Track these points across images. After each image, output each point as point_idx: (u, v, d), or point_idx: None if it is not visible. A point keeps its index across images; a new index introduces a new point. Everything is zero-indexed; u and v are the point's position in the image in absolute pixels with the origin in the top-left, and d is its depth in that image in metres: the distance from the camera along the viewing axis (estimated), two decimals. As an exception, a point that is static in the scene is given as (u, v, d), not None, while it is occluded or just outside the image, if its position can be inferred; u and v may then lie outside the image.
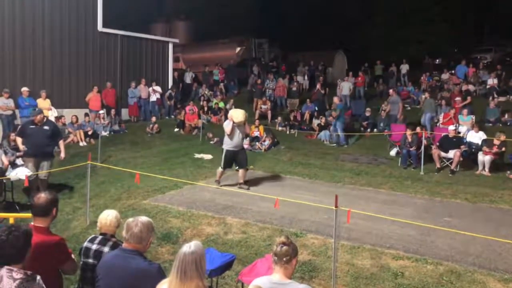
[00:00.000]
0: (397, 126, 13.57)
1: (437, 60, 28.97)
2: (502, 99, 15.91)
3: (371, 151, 12.81)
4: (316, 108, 16.71)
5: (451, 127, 11.50)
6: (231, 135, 8.69)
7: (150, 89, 16.89)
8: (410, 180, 9.92)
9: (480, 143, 11.02)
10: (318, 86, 18.45)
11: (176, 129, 15.65)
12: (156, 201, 7.97)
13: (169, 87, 18.31)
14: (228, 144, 8.80)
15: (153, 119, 15.46)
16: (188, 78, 20.90)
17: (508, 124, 13.64)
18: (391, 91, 15.96)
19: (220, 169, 8.90)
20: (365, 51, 29.84)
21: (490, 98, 15.47)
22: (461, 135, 12.01)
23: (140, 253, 3.00)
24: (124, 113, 16.70)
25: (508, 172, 10.15)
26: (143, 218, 3.05)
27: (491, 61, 25.58)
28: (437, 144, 11.16)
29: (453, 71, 20.45)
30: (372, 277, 5.25)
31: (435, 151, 10.80)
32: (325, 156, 12.41)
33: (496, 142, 10.52)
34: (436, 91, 17.89)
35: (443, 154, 10.83)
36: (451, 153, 10.67)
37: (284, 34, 32.87)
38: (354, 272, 5.36)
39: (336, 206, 4.80)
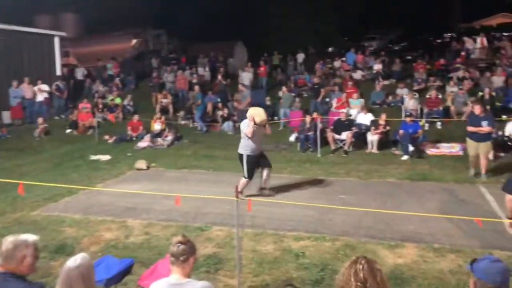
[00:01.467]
0: (295, 113, 14.12)
1: (330, 49, 30.75)
2: (386, 82, 17.35)
3: (273, 139, 13.14)
4: (219, 100, 16.72)
5: (343, 111, 12.27)
6: (253, 138, 7.49)
7: (36, 88, 15.53)
8: (309, 163, 10.42)
9: (368, 124, 11.93)
10: (219, 77, 18.47)
11: (68, 130, 14.65)
12: (48, 210, 7.36)
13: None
14: (250, 149, 7.58)
15: (40, 120, 14.23)
16: (80, 74, 19.63)
17: (392, 105, 14.92)
18: (283, 89, 16.13)
19: (244, 180, 7.68)
20: (263, 41, 30.54)
21: (376, 82, 16.78)
22: (352, 117, 12.87)
23: (16, 274, 2.64)
24: (6, 116, 15.16)
25: (393, 148, 11.13)
26: (15, 235, 2.73)
27: (376, 48, 27.79)
28: (331, 127, 11.85)
29: (344, 59, 21.80)
30: (275, 261, 5.40)
31: (329, 134, 11.46)
32: (229, 147, 12.44)
33: (381, 122, 11.45)
34: (329, 78, 18.94)
35: (337, 136, 11.54)
36: (344, 135, 11.41)
37: (183, 25, 32.23)
38: (258, 258, 5.47)
39: (236, 197, 4.84)
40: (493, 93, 13.63)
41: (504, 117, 11.65)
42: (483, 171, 8.56)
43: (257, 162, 7.76)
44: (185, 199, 5.66)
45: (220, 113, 15.34)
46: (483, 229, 5.78)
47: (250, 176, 7.71)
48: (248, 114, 7.69)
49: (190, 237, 3.23)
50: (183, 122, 15.60)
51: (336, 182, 8.82)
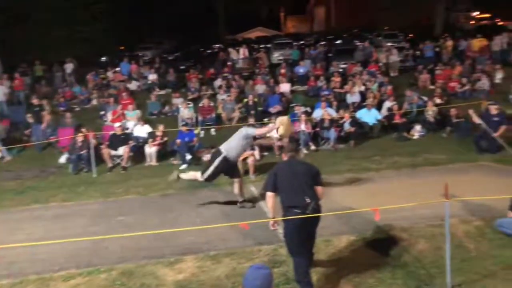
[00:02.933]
0: (64, 130, 12.80)
1: (103, 58, 29.35)
2: (162, 92, 17.52)
3: (38, 162, 11.63)
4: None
5: (117, 124, 11.73)
6: (242, 145, 7.48)
7: None
8: (83, 185, 9.53)
9: (146, 136, 11.72)
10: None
11: None
12: None
13: None
14: (232, 154, 7.31)
15: None
16: None
17: (169, 115, 15.12)
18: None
19: (198, 175, 7.64)
20: (23, 49, 26.87)
21: (152, 92, 16.74)
22: (129, 130, 12.44)
23: None
24: None
25: (172, 158, 11.21)
26: None
27: (151, 58, 27.89)
28: (107, 143, 11.17)
29: (117, 69, 21.09)
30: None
31: (105, 151, 10.76)
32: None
33: (158, 133, 11.40)
34: (102, 89, 18.00)
35: (113, 152, 10.93)
36: (121, 150, 10.90)
37: None
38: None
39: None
40: (256, 99, 15.25)
41: (265, 120, 13.09)
42: (251, 171, 9.36)
43: (227, 170, 7.43)
44: None
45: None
46: (254, 227, 6.27)
47: (208, 178, 7.45)
48: (277, 120, 7.79)
49: None
50: None
51: (115, 203, 8.29)
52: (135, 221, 7.18)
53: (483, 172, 8.74)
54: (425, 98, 13.98)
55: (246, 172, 9.32)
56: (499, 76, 16.17)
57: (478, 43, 19.39)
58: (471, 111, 11.08)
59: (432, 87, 15.94)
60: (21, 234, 6.79)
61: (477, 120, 10.54)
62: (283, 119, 7.90)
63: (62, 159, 11.45)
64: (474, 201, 6.71)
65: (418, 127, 12.28)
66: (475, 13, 45.68)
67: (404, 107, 13.65)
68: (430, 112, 12.72)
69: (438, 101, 13.65)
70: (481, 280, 4.73)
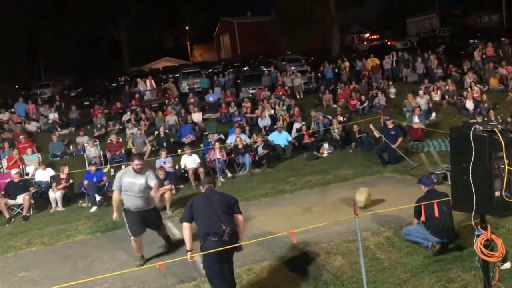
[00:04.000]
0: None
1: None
2: (65, 131, 16.48)
3: None
4: None
5: (14, 171, 10.74)
6: None
7: None
8: (-23, 242, 8.49)
9: (49, 180, 10.86)
10: None
11: None
12: None
13: None
14: None
15: None
16: None
17: (74, 155, 14.21)
18: None
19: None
20: None
21: (54, 132, 15.66)
22: (29, 176, 11.45)
23: None
24: None
25: (80, 201, 10.49)
26: None
27: (51, 95, 26.22)
28: (3, 192, 10.13)
29: (12, 110, 19.48)
30: None
31: (1, 201, 9.74)
32: None
33: (63, 176, 10.62)
34: (-4, 133, 16.47)
35: (11, 202, 9.95)
36: (20, 198, 9.96)
37: None
38: None
39: None
40: (167, 131, 14.97)
41: (179, 151, 12.85)
42: (167, 206, 9.03)
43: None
44: None
45: None
46: (173, 265, 6.01)
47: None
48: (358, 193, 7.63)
49: None
50: None
51: (16, 258, 7.46)
52: (41, 275, 6.50)
53: (388, 183, 9.37)
54: (329, 117, 14.79)
55: (164, 208, 8.98)
56: (392, 91, 17.68)
57: (371, 62, 21.12)
58: (371, 126, 11.94)
59: (335, 106, 16.92)
60: None
61: (376, 134, 11.38)
62: (364, 190, 7.77)
63: (-51, 214, 10.15)
64: (382, 212, 7.12)
65: (326, 145, 12.90)
66: (367, 35, 50.13)
67: (312, 127, 14.29)
68: (336, 130, 13.46)
69: (341, 118, 14.50)
70: (395, 289, 4.98)
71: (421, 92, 15.29)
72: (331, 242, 6.44)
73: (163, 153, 11.43)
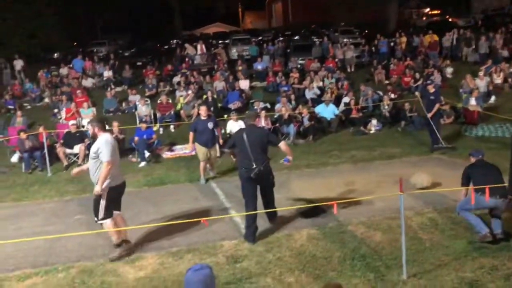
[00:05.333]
0: (15, 129, 12.23)
1: (55, 55, 28.22)
2: (118, 89, 17.07)
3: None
4: None
5: (72, 122, 11.34)
6: None
7: None
8: (38, 184, 9.19)
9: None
10: None
11: None
12: None
13: None
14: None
15: None
16: None
17: (126, 112, 14.77)
18: None
19: None
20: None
21: (108, 89, 16.28)
22: (84, 128, 12.04)
23: None
24: None
25: (130, 156, 10.97)
26: None
27: (106, 54, 27.09)
28: (61, 141, 10.78)
29: (70, 65, 20.34)
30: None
31: (60, 149, 10.39)
32: None
33: (114, 130, 11.03)
34: (55, 87, 17.35)
35: (68, 150, 10.57)
36: (76, 148, 10.56)
37: None
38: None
39: None
40: (215, 95, 15.17)
41: (225, 116, 13.05)
42: (212, 169, 9.19)
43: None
44: None
45: None
46: (214, 222, 6.28)
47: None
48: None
49: None
50: None
51: (71, 202, 8.06)
52: (93, 219, 6.97)
53: (436, 165, 9.13)
54: (380, 93, 14.42)
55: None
56: (449, 70, 16.92)
57: (429, 38, 20.19)
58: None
59: (387, 82, 16.44)
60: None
61: (417, 93, 10.77)
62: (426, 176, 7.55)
63: (14, 158, 10.98)
64: (427, 193, 7.01)
65: (374, 122, 12.66)
66: (426, 10, 47.57)
67: (361, 102, 14.02)
68: (386, 106, 13.14)
69: (392, 95, 14.12)
70: (435, 270, 4.94)
71: (481, 73, 14.55)
72: (372, 217, 6.45)
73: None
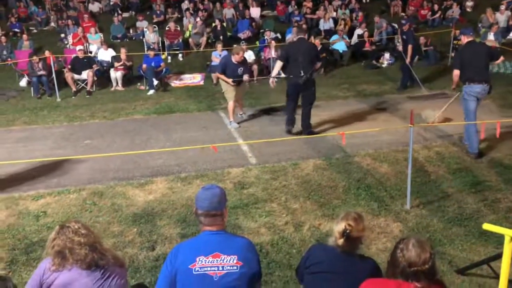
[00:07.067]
0: (22, 52, 12.09)
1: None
2: (125, 15, 16.56)
3: (-3, 84, 11.11)
4: None
5: (79, 48, 11.15)
6: None
7: None
8: (47, 109, 9.23)
9: (110, 60, 11.24)
10: None
11: None
12: None
13: None
14: None
15: None
16: None
17: (134, 38, 14.44)
18: None
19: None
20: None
21: (115, 14, 15.80)
22: (92, 54, 11.89)
23: None
24: None
25: (139, 84, 10.91)
26: None
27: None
28: (69, 66, 10.68)
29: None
30: (10, 230, 4.64)
31: (68, 75, 10.32)
32: None
33: (122, 57, 10.91)
34: (61, 11, 16.84)
35: (76, 76, 10.51)
36: (84, 74, 10.48)
37: None
38: (-13, 232, 4.59)
39: None
40: (224, 24, 14.71)
41: (234, 45, 12.70)
42: (241, 109, 8.33)
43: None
44: None
45: None
46: (222, 150, 6.35)
47: None
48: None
49: None
50: None
51: (80, 127, 8.13)
52: (103, 144, 7.10)
53: (447, 100, 8.96)
54: (395, 25, 13.88)
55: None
56: (469, 4, 16.13)
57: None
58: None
59: (403, 14, 15.77)
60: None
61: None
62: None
63: (23, 82, 10.95)
64: (437, 127, 6.96)
65: (387, 55, 12.33)
66: None
67: (375, 35, 13.55)
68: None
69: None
70: (438, 202, 5.03)
71: (502, 7, 13.84)
72: (379, 149, 6.48)
73: (219, 46, 11.33)
